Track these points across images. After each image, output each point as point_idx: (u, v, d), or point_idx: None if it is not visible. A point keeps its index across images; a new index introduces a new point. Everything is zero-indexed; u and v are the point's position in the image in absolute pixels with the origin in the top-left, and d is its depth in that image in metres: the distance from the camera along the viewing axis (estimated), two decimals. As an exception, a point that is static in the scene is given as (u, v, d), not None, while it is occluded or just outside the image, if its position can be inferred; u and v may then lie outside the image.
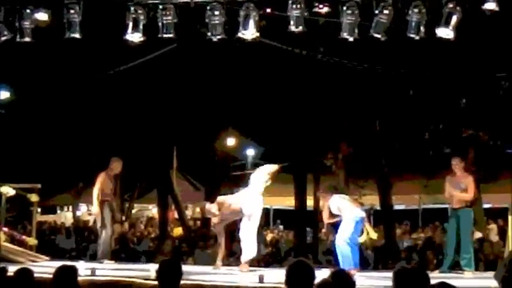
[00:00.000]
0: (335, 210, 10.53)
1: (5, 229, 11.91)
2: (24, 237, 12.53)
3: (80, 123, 18.34)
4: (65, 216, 27.55)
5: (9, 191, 11.60)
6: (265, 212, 25.19)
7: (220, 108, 17.56)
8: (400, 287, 4.92)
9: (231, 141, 21.46)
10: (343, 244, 10.15)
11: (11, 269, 6.67)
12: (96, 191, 11.52)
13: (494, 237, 17.40)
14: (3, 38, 10.27)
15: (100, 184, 11.52)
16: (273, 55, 13.36)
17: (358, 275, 9.05)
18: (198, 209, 23.44)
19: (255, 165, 24.19)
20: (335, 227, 10.66)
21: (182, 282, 5.77)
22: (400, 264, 13.26)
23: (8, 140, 18.33)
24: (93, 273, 8.61)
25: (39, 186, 12.27)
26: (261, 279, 8.07)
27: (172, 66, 15.29)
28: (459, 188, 10.56)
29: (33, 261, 11.45)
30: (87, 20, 9.96)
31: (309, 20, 9.60)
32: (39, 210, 16.18)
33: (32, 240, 12.28)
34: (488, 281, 8.22)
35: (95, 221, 22.90)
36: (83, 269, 8.44)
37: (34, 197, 12.21)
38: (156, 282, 5.75)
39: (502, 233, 17.38)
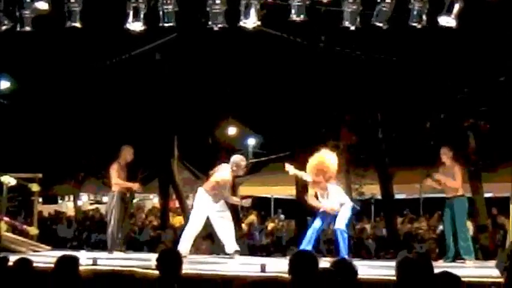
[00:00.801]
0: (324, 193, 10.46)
1: (6, 219, 11.91)
2: (25, 226, 12.53)
3: (80, 113, 18.31)
4: (66, 206, 27.58)
5: (10, 180, 11.60)
6: (267, 201, 25.31)
7: (221, 98, 17.53)
8: (403, 277, 4.91)
9: (231, 131, 21.44)
10: (344, 229, 10.18)
11: (12, 259, 6.66)
12: (117, 180, 11.43)
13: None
14: (4, 28, 10.24)
15: (117, 173, 11.43)
16: (274, 44, 13.34)
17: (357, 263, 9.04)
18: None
19: (256, 155, 24.36)
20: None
21: (183, 271, 5.77)
22: (402, 253, 13.32)
23: (8, 129, 18.32)
24: (94, 263, 8.60)
25: (40, 175, 12.25)
26: (262, 269, 8.07)
27: (173, 55, 15.26)
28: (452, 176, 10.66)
29: (35, 250, 11.46)
30: (88, 9, 9.93)
31: (310, 9, 9.58)
32: (40, 200, 16.15)
33: (33, 230, 12.28)
34: (489, 270, 8.23)
35: (96, 210, 23.09)
36: (84, 258, 8.44)
37: (35, 187, 12.20)
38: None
39: (496, 222, 17.37)
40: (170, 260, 5.66)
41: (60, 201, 29.70)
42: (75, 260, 6.13)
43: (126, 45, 13.33)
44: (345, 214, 10.30)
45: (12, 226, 12.33)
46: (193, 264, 8.74)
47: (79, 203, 27.09)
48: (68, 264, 6.08)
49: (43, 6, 10.11)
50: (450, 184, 10.63)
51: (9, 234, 11.69)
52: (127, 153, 11.59)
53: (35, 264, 6.41)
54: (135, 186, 11.73)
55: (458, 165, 10.86)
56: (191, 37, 13.56)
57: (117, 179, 11.42)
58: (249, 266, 8.97)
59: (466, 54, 13.81)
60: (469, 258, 10.40)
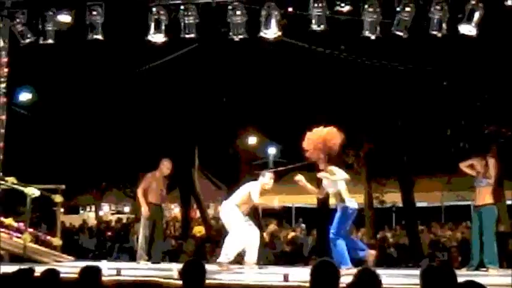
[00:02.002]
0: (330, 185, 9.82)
1: (30, 230, 12.01)
2: (48, 237, 12.63)
3: (100, 124, 18.43)
4: (88, 216, 27.76)
5: (34, 192, 11.70)
6: (288, 210, 25.28)
7: (242, 107, 17.57)
8: (428, 286, 4.90)
9: (252, 140, 21.48)
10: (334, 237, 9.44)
11: (37, 270, 6.73)
12: (140, 191, 11.58)
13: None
14: (27, 41, 10.37)
15: (143, 184, 11.57)
16: (295, 54, 13.37)
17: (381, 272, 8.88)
18: (220, 208, 23.51)
19: (276, 164, 24.34)
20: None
21: (207, 281, 5.79)
22: (424, 261, 13.26)
23: (31, 141, 18.47)
24: (118, 273, 8.66)
25: (63, 187, 12.36)
26: (285, 278, 8.07)
27: (194, 65, 15.32)
28: (486, 183, 10.58)
29: (58, 261, 11.56)
30: (110, 22, 10.03)
31: (330, 19, 9.62)
32: (61, 210, 16.28)
33: (57, 241, 12.37)
34: (514, 279, 8.18)
35: (117, 221, 23.18)
36: (106, 268, 8.49)
37: (58, 198, 12.31)
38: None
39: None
40: (194, 270, 5.68)
41: (81, 212, 29.90)
42: (98, 270, 6.19)
43: (147, 56, 13.40)
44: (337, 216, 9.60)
45: (36, 237, 12.43)
46: (215, 275, 8.77)
47: (100, 213, 27.25)
48: (91, 274, 6.13)
49: (66, 19, 10.24)
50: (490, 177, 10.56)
51: (33, 245, 11.78)
52: (163, 166, 11.70)
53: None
54: (144, 211, 11.56)
55: (492, 165, 10.73)
56: (212, 48, 13.63)
57: (139, 189, 11.57)
58: (272, 276, 8.97)
59: (486, 61, 13.76)
60: (493, 267, 10.33)
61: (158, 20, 9.87)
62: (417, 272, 5.13)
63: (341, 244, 9.41)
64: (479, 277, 7.39)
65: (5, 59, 10.82)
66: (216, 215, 24.06)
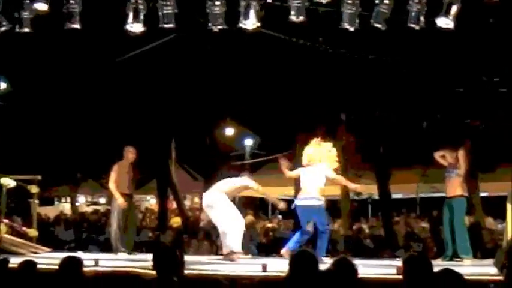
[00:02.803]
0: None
1: (6, 221, 11.91)
2: (24, 228, 12.53)
3: (77, 114, 18.30)
4: (63, 208, 27.56)
5: (10, 182, 11.59)
6: (264, 201, 25.30)
7: (219, 99, 17.54)
8: (410, 274, 4.95)
9: (229, 131, 21.47)
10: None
11: (13, 261, 6.70)
12: (112, 184, 11.42)
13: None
14: (3, 29, 10.25)
15: (114, 176, 11.43)
16: (273, 45, 13.37)
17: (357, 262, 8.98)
18: (196, 199, 23.51)
19: (253, 155, 24.34)
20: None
21: (185, 272, 5.76)
22: (400, 252, 13.41)
23: (6, 131, 18.29)
24: (96, 264, 8.62)
25: (39, 177, 12.24)
26: (264, 268, 8.10)
27: (172, 56, 15.26)
28: (455, 174, 10.75)
29: (34, 252, 11.48)
30: (87, 11, 9.94)
31: (309, 10, 9.63)
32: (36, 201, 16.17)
33: (33, 232, 12.28)
34: (487, 269, 8.29)
35: (93, 212, 23.04)
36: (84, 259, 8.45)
37: (34, 188, 12.21)
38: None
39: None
40: (167, 259, 5.59)
41: (56, 203, 29.69)
42: (79, 261, 6.18)
43: (124, 46, 13.32)
44: None
45: (12, 228, 12.34)
46: (194, 265, 8.77)
47: (76, 204, 27.06)
48: (72, 265, 6.12)
49: (42, 7, 10.13)
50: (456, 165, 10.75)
51: (9, 236, 11.69)
52: (129, 153, 11.62)
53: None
54: (121, 202, 11.39)
55: (462, 158, 10.89)
56: (190, 38, 13.57)
57: (112, 183, 11.46)
58: (250, 266, 8.99)
59: (463, 55, 13.87)
60: (467, 257, 10.48)
61: (137, 9, 9.80)
62: (393, 262, 5.19)
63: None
64: (454, 267, 7.45)
65: (-20, 48, 10.71)
66: (192, 206, 24.04)
